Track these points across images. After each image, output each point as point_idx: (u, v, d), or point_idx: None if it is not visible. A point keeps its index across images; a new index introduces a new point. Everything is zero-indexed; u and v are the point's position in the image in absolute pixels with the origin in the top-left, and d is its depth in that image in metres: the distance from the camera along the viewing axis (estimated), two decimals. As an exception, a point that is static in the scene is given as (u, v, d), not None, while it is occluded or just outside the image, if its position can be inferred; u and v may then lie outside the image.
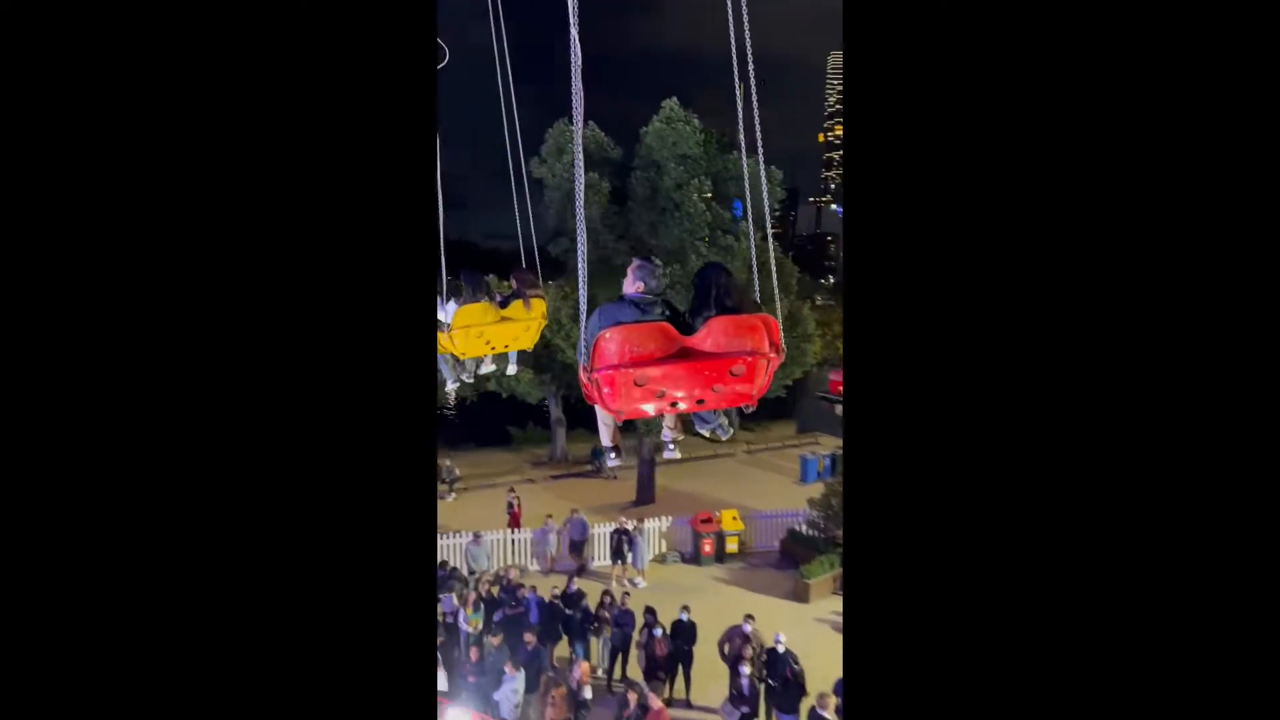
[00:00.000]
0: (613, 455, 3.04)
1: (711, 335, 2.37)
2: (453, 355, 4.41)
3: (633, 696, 6.41)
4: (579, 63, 2.59)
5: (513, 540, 11.69)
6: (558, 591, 8.74)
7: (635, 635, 8.19)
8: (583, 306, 2.51)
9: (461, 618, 8.40)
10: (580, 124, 2.59)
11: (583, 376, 2.47)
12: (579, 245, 2.52)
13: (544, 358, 15.90)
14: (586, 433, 23.16)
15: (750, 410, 2.62)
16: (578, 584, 8.92)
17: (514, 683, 6.90)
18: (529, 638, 7.42)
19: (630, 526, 11.55)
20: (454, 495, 15.71)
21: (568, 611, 8.58)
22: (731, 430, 2.98)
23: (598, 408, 2.69)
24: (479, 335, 4.21)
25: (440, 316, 4.26)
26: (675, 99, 13.66)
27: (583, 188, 2.57)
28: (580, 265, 2.54)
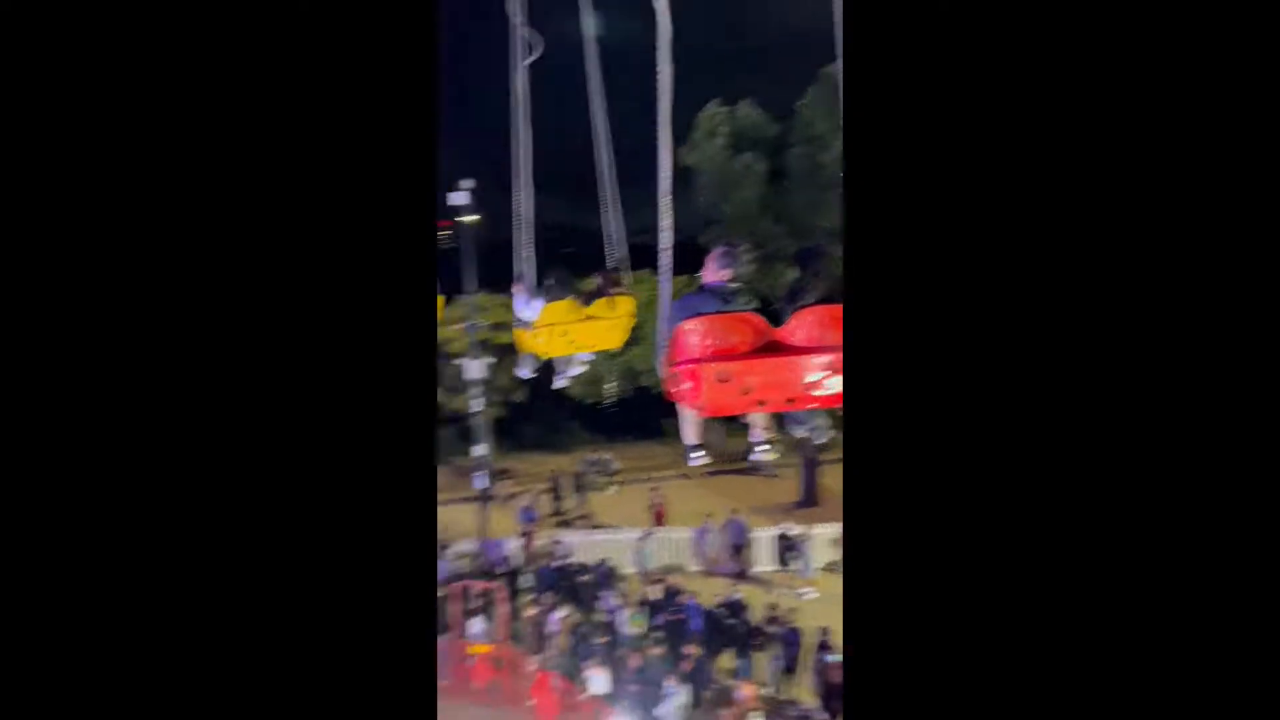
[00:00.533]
0: (698, 454, 2.82)
1: (802, 327, 2.19)
2: (534, 355, 4.26)
3: (807, 732, 5.72)
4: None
5: (673, 539, 11.43)
6: (720, 599, 8.26)
7: (805, 655, 7.45)
8: (665, 297, 2.34)
9: (623, 618, 8.27)
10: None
11: (662, 371, 2.32)
12: (660, 231, 2.33)
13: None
14: (737, 426, 22.53)
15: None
16: (742, 591, 8.35)
17: (676, 698, 6.55)
18: (691, 650, 7.03)
19: (795, 532, 10.73)
20: (616, 488, 15.95)
21: (730, 620, 8.07)
22: (831, 434, 2.78)
23: (678, 405, 2.52)
24: (563, 334, 4.02)
25: (525, 315, 4.09)
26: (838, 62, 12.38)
27: (668, 176, 2.41)
28: (661, 254, 2.35)
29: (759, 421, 2.74)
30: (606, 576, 9.21)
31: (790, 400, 2.30)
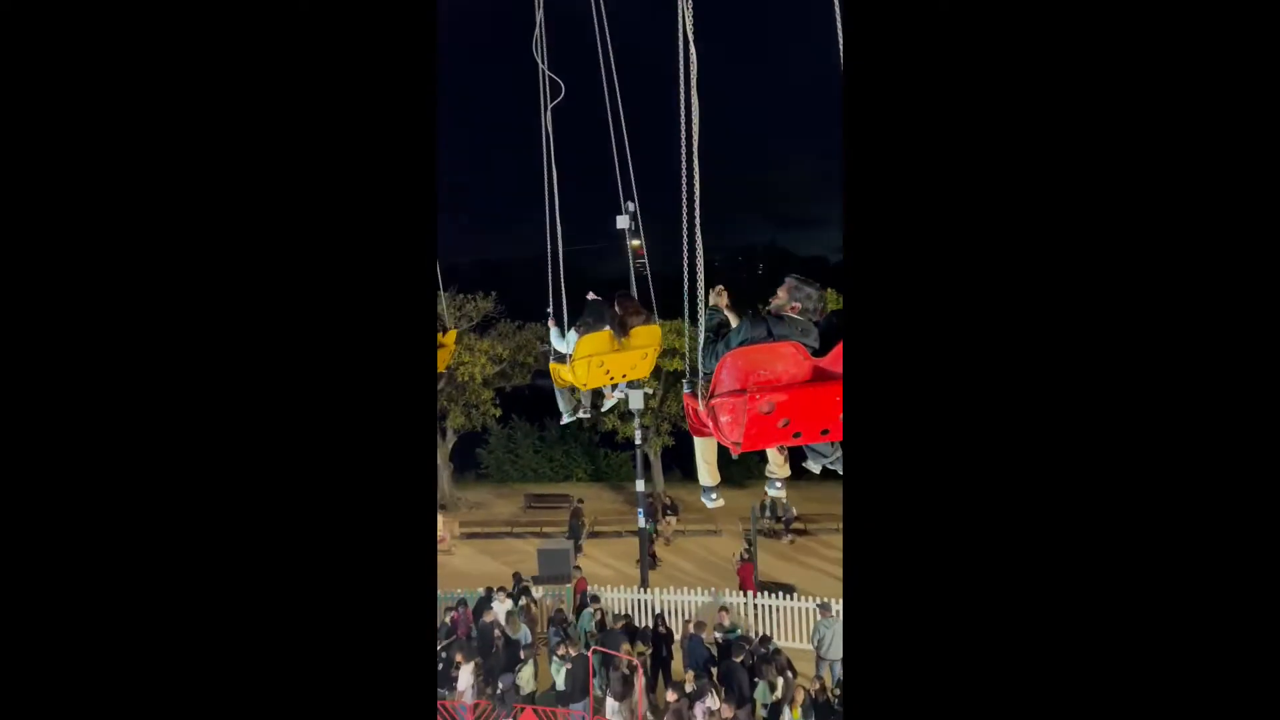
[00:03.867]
0: (714, 495, 2.88)
1: (840, 358, 2.17)
2: (570, 388, 4.20)
3: None
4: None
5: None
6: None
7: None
8: (700, 324, 2.37)
9: (785, 719, 6.53)
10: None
11: (692, 404, 2.34)
12: (685, 251, 2.42)
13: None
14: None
15: None
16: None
17: None
18: None
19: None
20: (791, 537, 13.96)
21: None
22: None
23: (699, 440, 2.62)
24: (600, 365, 4.01)
25: (560, 347, 4.06)
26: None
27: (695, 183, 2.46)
28: (687, 273, 2.42)
29: (775, 459, 2.75)
30: (769, 660, 7.49)
31: (826, 431, 2.30)
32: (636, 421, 11.72)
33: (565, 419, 4.61)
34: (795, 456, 2.97)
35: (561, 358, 4.12)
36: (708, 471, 2.88)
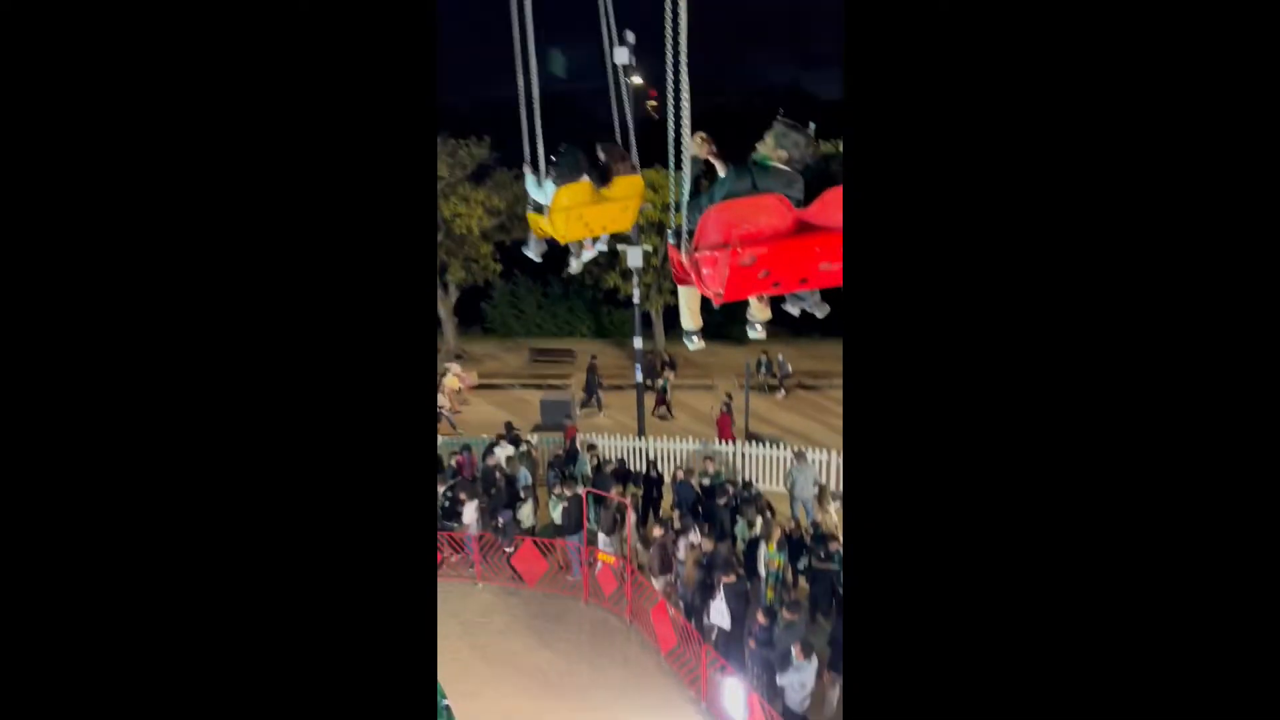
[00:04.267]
0: (694, 339, 2.97)
1: (827, 208, 2.19)
2: (549, 238, 4.12)
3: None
4: None
5: (838, 464, 9.90)
6: (881, 558, 6.77)
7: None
8: (684, 176, 2.27)
9: (761, 553, 7.25)
10: None
11: (676, 255, 2.34)
12: (671, 91, 2.21)
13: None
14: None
15: None
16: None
17: (803, 673, 5.49)
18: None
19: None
20: (784, 393, 14.46)
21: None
22: (827, 308, 2.72)
23: (682, 288, 2.66)
24: (579, 217, 3.80)
25: (538, 198, 3.84)
26: None
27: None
28: (674, 120, 2.24)
29: (757, 303, 2.68)
30: (750, 502, 8.13)
31: (804, 280, 2.31)
32: (635, 279, 11.64)
33: (535, 258, 4.50)
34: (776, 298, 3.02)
35: (540, 208, 3.93)
36: (690, 317, 2.95)
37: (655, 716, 6.07)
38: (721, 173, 2.39)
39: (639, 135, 4.70)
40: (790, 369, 14.84)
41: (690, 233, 2.26)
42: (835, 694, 5.90)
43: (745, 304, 3.00)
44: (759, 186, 2.25)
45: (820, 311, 2.88)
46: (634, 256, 11.33)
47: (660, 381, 13.62)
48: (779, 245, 2.20)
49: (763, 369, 14.72)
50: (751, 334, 3.03)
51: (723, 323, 14.82)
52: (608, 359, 15.71)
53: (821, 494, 8.68)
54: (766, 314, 2.95)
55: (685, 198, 2.30)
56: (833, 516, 7.98)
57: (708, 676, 6.14)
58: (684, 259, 2.31)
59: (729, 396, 11.91)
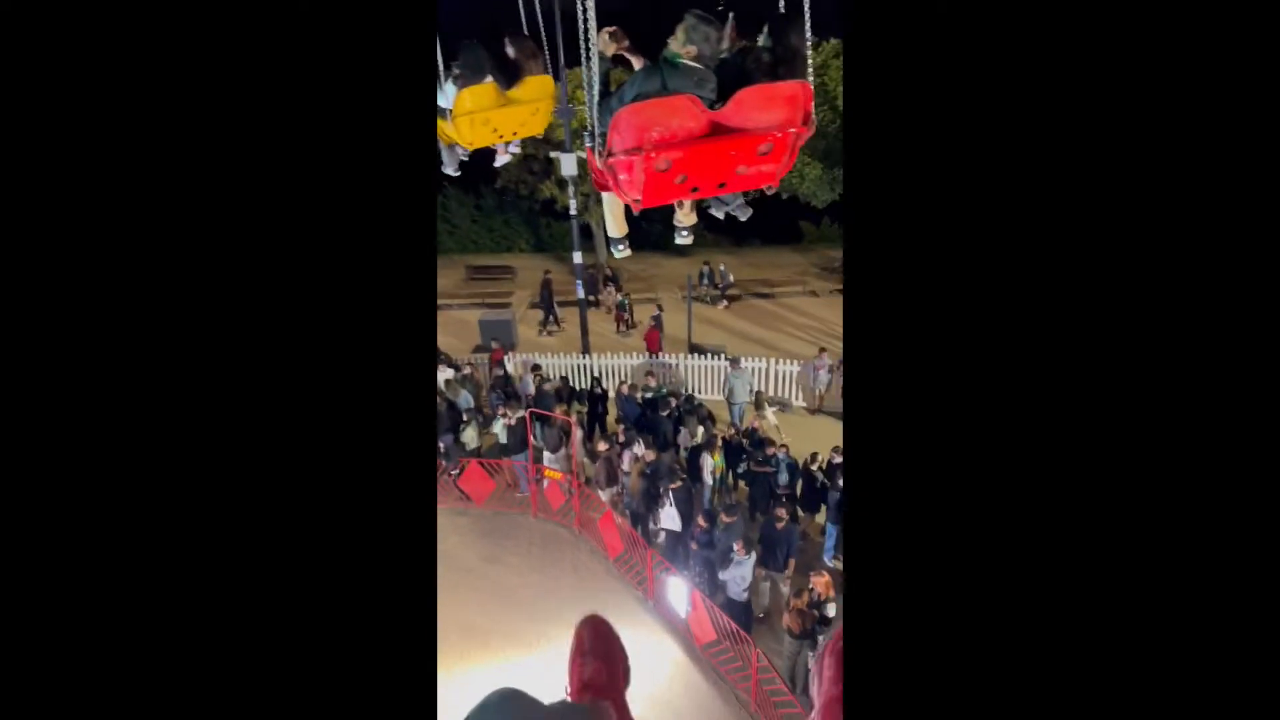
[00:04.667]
0: (620, 246, 2.84)
1: (742, 109, 2.08)
2: (460, 145, 3.72)
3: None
4: None
5: (777, 371, 10.18)
6: (821, 460, 7.11)
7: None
8: (593, 76, 2.07)
9: (706, 461, 7.50)
10: None
11: (594, 161, 2.21)
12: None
13: (836, 146, 12.62)
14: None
15: (773, 191, 2.36)
16: (843, 457, 7.11)
17: (743, 567, 5.84)
18: (782, 514, 6.11)
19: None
20: (726, 303, 14.55)
21: (824, 482, 7.01)
22: (750, 210, 2.69)
23: (605, 195, 2.50)
24: (485, 122, 3.50)
25: (441, 102, 3.47)
26: None
27: None
28: (581, 13, 2.04)
29: (684, 205, 2.58)
30: (692, 413, 8.31)
31: (722, 185, 2.21)
32: (572, 189, 11.13)
33: (451, 171, 4.07)
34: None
35: (444, 113, 3.55)
36: (614, 223, 2.87)
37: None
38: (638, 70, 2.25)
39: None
40: (732, 278, 14.87)
41: (604, 136, 2.14)
42: (766, 584, 6.32)
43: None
44: (669, 86, 2.10)
45: (743, 214, 2.80)
46: (567, 164, 10.78)
47: (621, 298, 13.41)
48: (693, 150, 2.10)
49: (705, 280, 14.69)
50: (679, 239, 2.96)
51: (664, 233, 14.58)
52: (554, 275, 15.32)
53: (758, 400, 8.95)
54: (692, 218, 2.87)
55: (594, 99, 2.14)
56: (770, 419, 8.28)
57: (654, 578, 6.47)
58: (600, 165, 2.21)
59: (659, 309, 11.90)
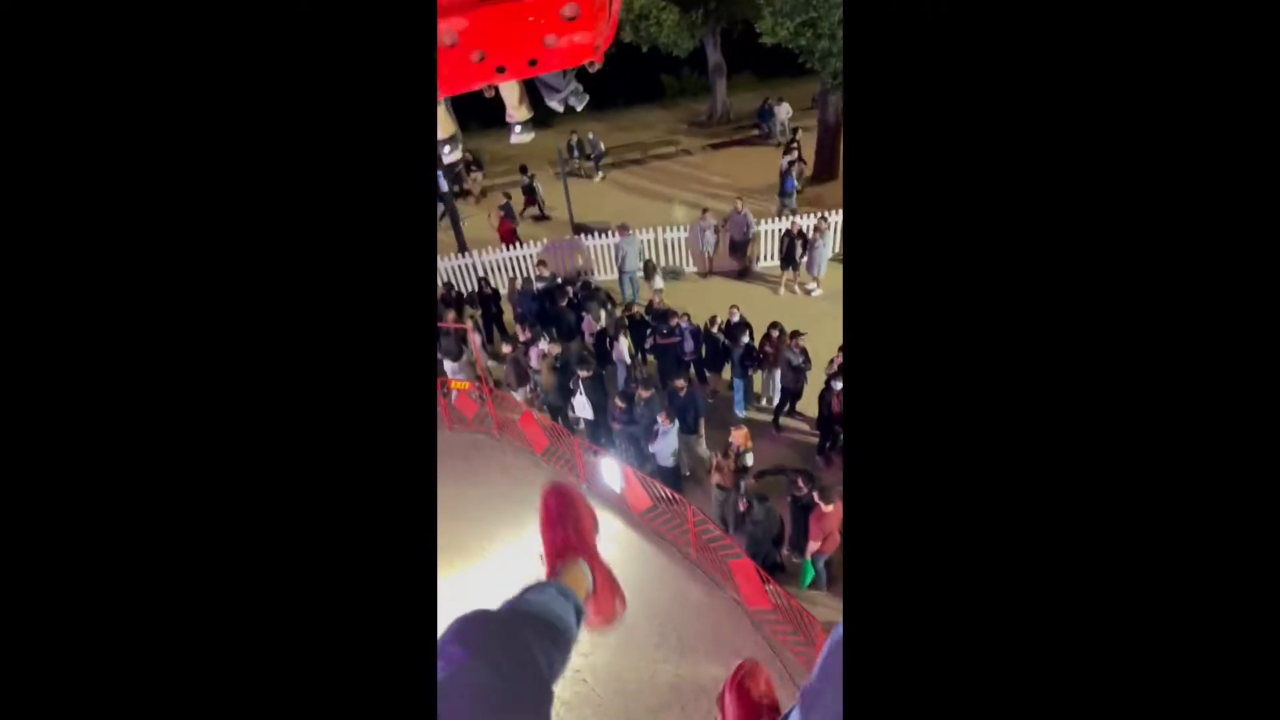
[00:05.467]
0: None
1: None
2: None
3: (802, 483, 5.32)
4: None
5: (666, 239, 10.13)
6: (720, 321, 7.35)
7: (813, 381, 6.83)
8: None
9: (621, 349, 7.54)
10: None
11: None
12: None
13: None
14: (753, 77, 19.15)
15: (597, 68, 1.99)
16: (741, 307, 7.39)
17: (669, 436, 6.13)
18: (680, 384, 6.37)
19: (807, 225, 9.31)
20: (601, 174, 13.97)
21: (725, 342, 7.32)
22: (586, 98, 2.34)
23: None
24: None
25: None
26: None
27: None
28: None
29: (510, 97, 2.32)
30: (591, 296, 8.20)
31: (533, 62, 1.85)
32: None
33: None
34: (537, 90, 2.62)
35: None
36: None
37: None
38: None
39: None
40: (603, 147, 14.18)
41: None
42: (683, 445, 6.70)
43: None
44: None
45: (579, 102, 2.47)
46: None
47: (527, 180, 12.31)
48: (479, 16, 1.79)
49: (575, 152, 13.90)
50: (514, 138, 2.56)
51: (534, 103, 13.42)
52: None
53: (647, 268, 8.96)
54: (524, 113, 2.51)
55: None
56: (658, 282, 8.36)
57: (583, 462, 6.68)
58: None
59: (506, 196, 11.26)
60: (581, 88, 2.43)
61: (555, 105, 2.48)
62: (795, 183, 11.06)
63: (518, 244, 10.20)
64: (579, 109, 2.51)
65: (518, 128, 2.56)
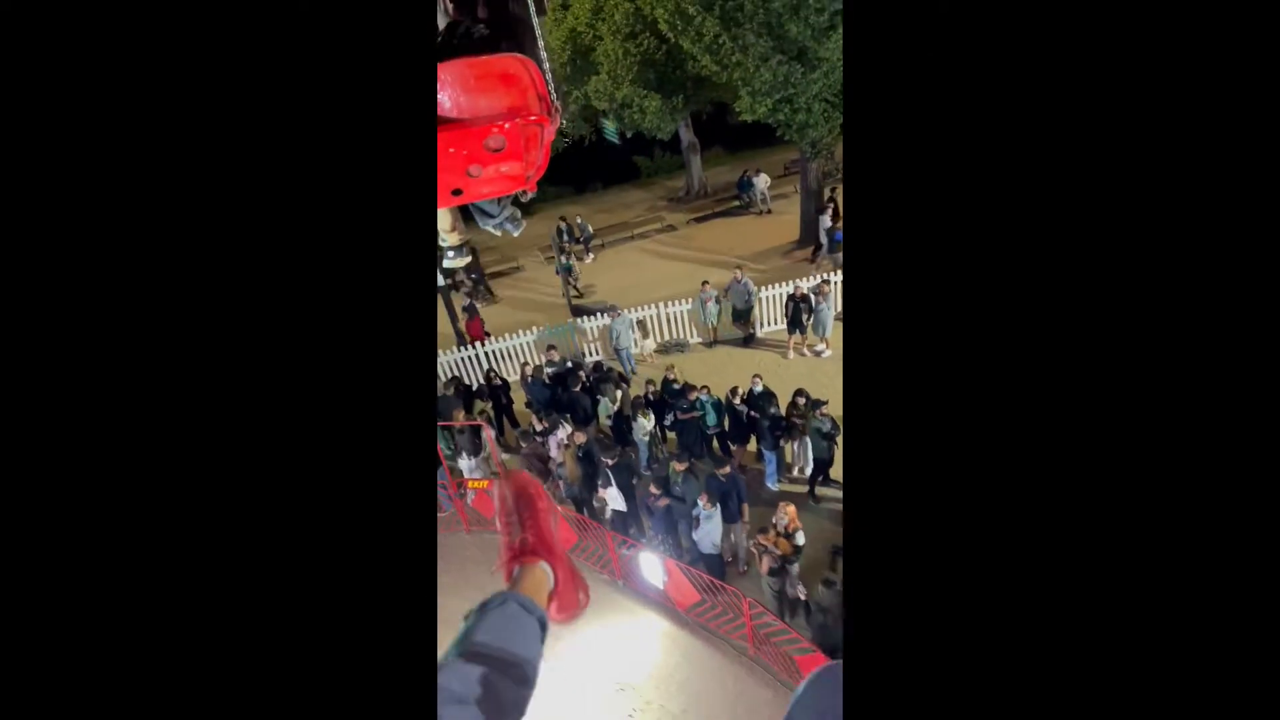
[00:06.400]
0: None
1: (448, 91, 1.59)
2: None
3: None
4: None
5: (667, 315, 10.10)
6: (741, 391, 7.17)
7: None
8: None
9: (638, 430, 7.28)
10: None
11: None
12: None
13: (668, 72, 12.36)
14: (724, 151, 19.96)
15: (530, 196, 1.93)
16: (762, 382, 7.23)
17: (713, 520, 5.80)
18: (725, 471, 6.03)
19: (808, 288, 9.36)
20: (592, 256, 14.14)
21: (751, 414, 7.12)
22: (523, 223, 2.28)
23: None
24: None
25: None
26: None
27: None
28: None
29: (442, 223, 2.22)
30: (605, 377, 8.01)
31: (457, 192, 1.70)
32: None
33: None
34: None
35: None
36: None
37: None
38: None
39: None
40: (591, 229, 14.44)
41: None
42: (728, 534, 6.35)
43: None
44: None
45: (516, 228, 2.37)
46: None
47: (565, 259, 12.36)
48: None
49: (565, 236, 14.10)
50: (447, 262, 2.45)
51: (515, 198, 13.74)
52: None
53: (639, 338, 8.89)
54: (455, 239, 2.39)
55: None
56: (650, 346, 8.22)
57: (618, 558, 6.27)
58: None
59: (470, 299, 11.34)
60: (519, 213, 2.33)
61: (491, 229, 2.36)
62: (840, 234, 10.99)
63: (484, 339, 10.02)
64: (516, 234, 2.40)
65: (450, 253, 2.41)
